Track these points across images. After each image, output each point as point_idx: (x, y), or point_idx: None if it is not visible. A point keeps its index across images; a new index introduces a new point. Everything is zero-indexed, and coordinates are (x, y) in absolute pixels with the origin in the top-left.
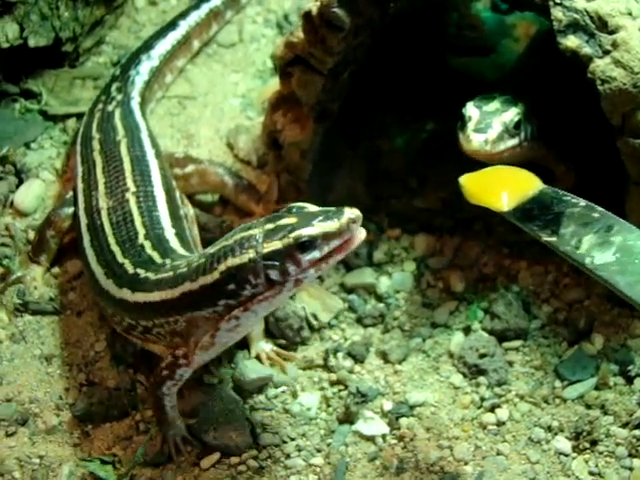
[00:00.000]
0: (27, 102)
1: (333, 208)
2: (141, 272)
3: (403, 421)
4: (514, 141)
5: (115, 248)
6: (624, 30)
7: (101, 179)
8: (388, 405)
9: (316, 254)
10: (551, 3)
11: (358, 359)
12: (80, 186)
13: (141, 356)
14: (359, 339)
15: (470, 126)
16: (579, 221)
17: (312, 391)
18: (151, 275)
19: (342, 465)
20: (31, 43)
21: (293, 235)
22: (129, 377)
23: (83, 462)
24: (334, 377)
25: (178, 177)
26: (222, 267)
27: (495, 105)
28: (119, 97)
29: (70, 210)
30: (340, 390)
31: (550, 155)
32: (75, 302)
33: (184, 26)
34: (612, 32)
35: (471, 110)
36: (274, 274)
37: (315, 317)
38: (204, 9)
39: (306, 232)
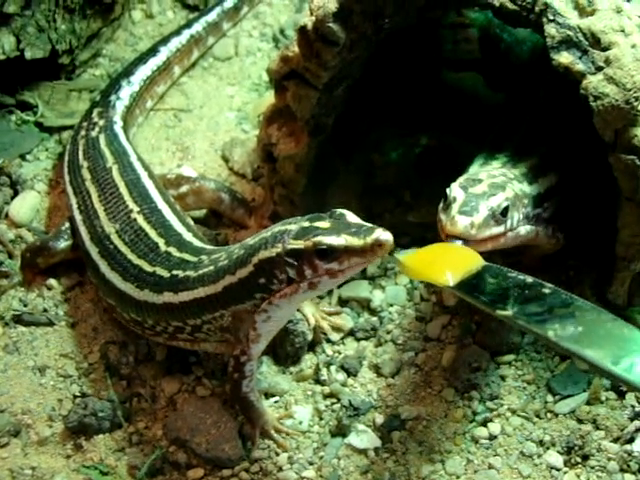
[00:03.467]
0: (23, 114)
1: (368, 225)
2: (179, 273)
3: (395, 435)
4: (499, 229)
5: (139, 262)
6: (617, 47)
7: (99, 207)
8: (380, 418)
9: (335, 265)
10: (545, 20)
11: (351, 372)
12: (78, 217)
13: (135, 368)
14: (352, 352)
15: (455, 207)
16: (530, 296)
17: (305, 404)
18: (191, 273)
19: (334, 478)
20: (28, 55)
21: (314, 240)
22: (122, 389)
23: (83, 469)
24: (327, 390)
25: (174, 198)
26: (255, 260)
27: (482, 188)
28: (101, 122)
29: (66, 244)
30: (333, 403)
31: (543, 237)
32: (69, 314)
33: (165, 52)
34: (605, 49)
35: (456, 191)
36: (291, 272)
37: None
38: (185, 35)
39: (327, 240)
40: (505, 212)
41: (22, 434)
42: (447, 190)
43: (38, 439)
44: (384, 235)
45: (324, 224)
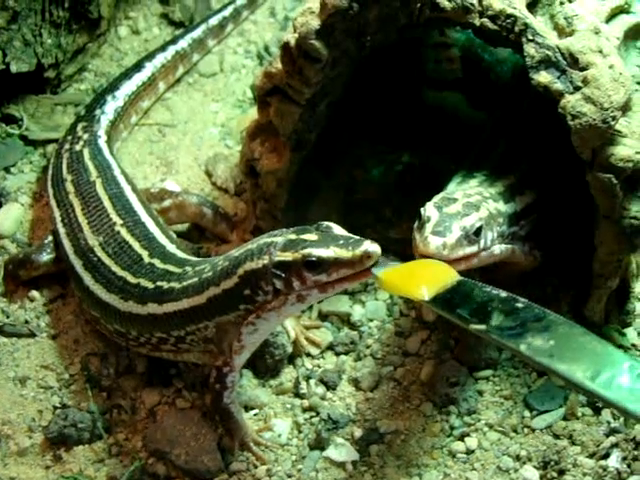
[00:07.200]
0: (8, 127)
1: (356, 237)
2: (163, 284)
3: (373, 448)
4: (472, 249)
5: (123, 273)
6: (594, 67)
7: (83, 220)
8: (359, 432)
9: (323, 277)
10: (524, 40)
11: (330, 386)
12: (62, 230)
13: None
14: (331, 366)
15: (428, 227)
16: (504, 309)
17: (284, 417)
18: (175, 284)
19: None
20: (13, 69)
21: (303, 252)
22: (103, 400)
23: (63, 479)
24: (306, 403)
25: (157, 212)
26: (240, 271)
27: (456, 207)
28: (86, 136)
29: (48, 257)
30: (312, 416)
31: (519, 255)
32: (50, 325)
33: (150, 68)
34: (583, 69)
35: (430, 210)
36: (279, 284)
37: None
38: (170, 51)
39: (316, 252)
40: (478, 232)
41: (2, 444)
42: (421, 209)
43: (18, 449)
44: (372, 247)
45: (311, 236)
